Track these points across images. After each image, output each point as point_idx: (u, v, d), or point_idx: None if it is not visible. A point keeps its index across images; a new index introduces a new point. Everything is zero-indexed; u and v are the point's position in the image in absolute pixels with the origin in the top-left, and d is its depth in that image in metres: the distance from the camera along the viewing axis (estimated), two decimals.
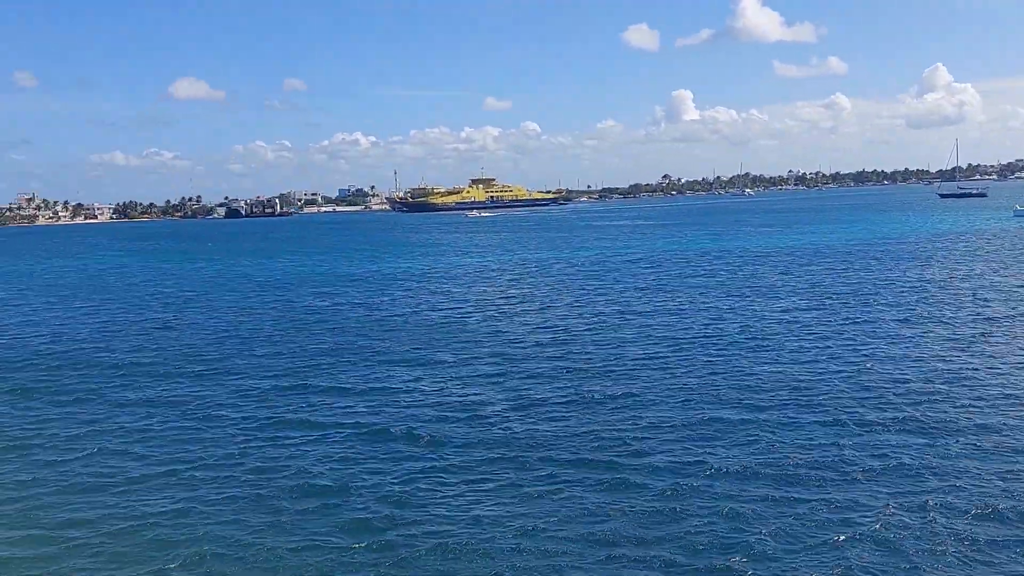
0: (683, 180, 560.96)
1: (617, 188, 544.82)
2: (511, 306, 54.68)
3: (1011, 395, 27.75)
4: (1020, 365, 31.84)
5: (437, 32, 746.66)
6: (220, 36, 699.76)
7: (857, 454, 22.57)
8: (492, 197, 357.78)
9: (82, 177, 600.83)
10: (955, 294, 51.04)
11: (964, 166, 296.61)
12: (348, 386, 33.00)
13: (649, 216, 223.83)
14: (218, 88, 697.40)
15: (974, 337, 37.28)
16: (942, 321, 41.64)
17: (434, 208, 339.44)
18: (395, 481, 22.25)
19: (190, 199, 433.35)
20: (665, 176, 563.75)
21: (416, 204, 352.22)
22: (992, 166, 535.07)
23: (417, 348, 40.38)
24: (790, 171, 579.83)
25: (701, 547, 17.60)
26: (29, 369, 39.05)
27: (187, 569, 17.75)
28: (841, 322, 42.51)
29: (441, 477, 22.43)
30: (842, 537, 17.55)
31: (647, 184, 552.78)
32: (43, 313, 60.89)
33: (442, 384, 32.83)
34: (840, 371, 31.87)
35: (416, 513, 20.11)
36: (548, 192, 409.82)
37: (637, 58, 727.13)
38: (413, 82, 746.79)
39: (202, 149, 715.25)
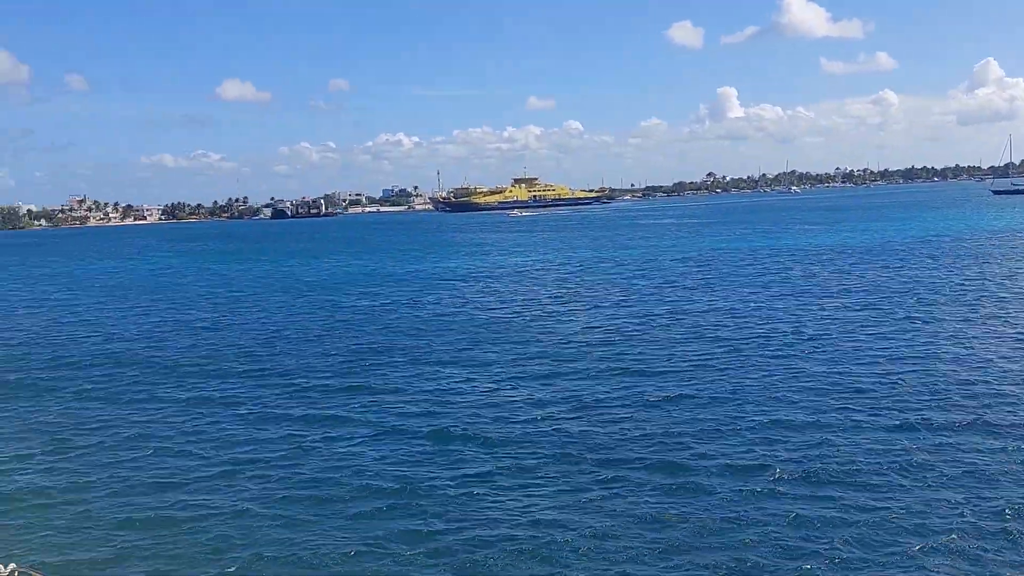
0: (728, 178, 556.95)
1: (661, 186, 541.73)
2: (559, 306, 54.24)
3: None
4: None
5: (480, 31, 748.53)
6: (266, 37, 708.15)
7: (927, 457, 21.83)
8: (535, 196, 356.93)
9: (131, 178, 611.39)
10: (1018, 292, 49.69)
11: (1017, 162, 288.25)
12: (399, 386, 32.80)
13: (695, 214, 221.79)
14: (264, 89, 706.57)
15: None
16: (1007, 320, 40.52)
17: (477, 208, 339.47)
18: (450, 483, 21.95)
19: (237, 200, 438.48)
20: (710, 174, 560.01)
21: (459, 204, 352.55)
22: None
23: (466, 348, 40.11)
24: (837, 168, 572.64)
25: (765, 553, 17.07)
26: (83, 370, 39.41)
27: (245, 570, 17.64)
28: (900, 321, 41.52)
29: (497, 479, 22.09)
30: (916, 546, 16.90)
31: (691, 182, 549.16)
32: (96, 314, 61.61)
33: (493, 384, 32.50)
34: (903, 372, 31.01)
35: (473, 515, 19.80)
36: (591, 191, 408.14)
37: (681, 56, 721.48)
38: (456, 81, 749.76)
39: (248, 150, 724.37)
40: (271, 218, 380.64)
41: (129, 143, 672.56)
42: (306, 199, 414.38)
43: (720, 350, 36.67)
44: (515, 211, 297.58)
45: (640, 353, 36.81)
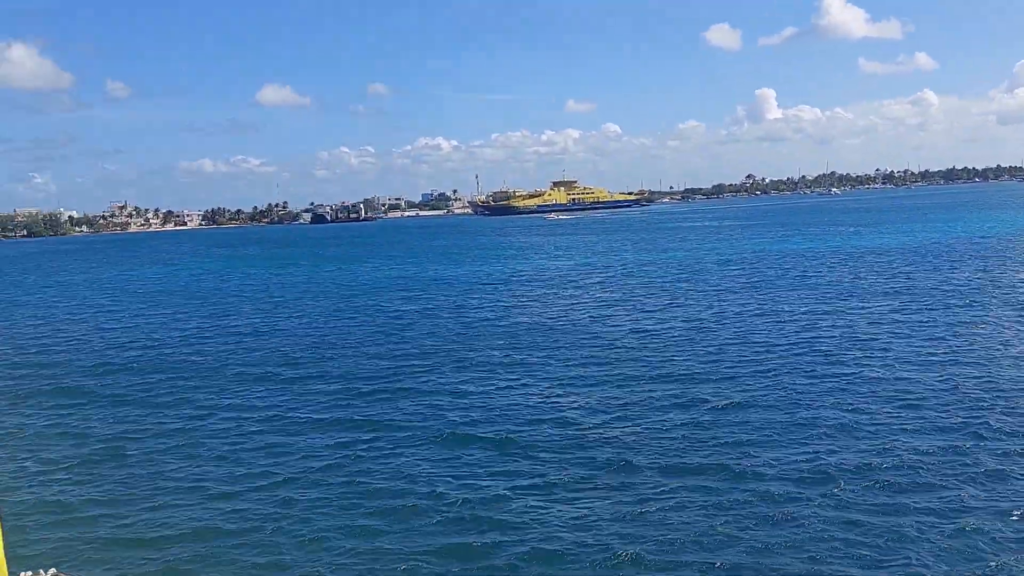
0: (767, 180, 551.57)
1: (700, 189, 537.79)
2: (604, 310, 53.59)
3: None
4: None
5: (518, 35, 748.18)
6: (306, 42, 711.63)
7: (994, 464, 21.06)
8: (573, 199, 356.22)
9: (172, 184, 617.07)
10: None
11: None
12: (447, 393, 32.43)
13: (735, 216, 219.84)
14: (304, 94, 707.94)
15: None
16: None
17: (516, 211, 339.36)
18: (501, 485, 21.60)
19: (276, 205, 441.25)
20: (749, 176, 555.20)
21: (498, 207, 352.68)
22: None
23: (512, 353, 39.63)
24: (877, 169, 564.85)
25: (818, 557, 16.62)
26: (126, 376, 39.50)
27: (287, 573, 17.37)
28: (953, 324, 40.46)
29: (551, 488, 21.62)
30: (991, 561, 16.13)
31: (730, 184, 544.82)
32: (138, 319, 62.02)
33: (543, 390, 31.99)
34: (961, 375, 30.16)
35: (520, 518, 19.41)
36: (630, 193, 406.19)
37: (719, 58, 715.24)
38: (494, 85, 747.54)
39: (288, 155, 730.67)
40: (311, 223, 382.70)
41: (170, 149, 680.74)
42: (345, 204, 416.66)
43: (771, 354, 35.91)
44: (552, 214, 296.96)
45: (690, 358, 36.13)
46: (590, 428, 26.33)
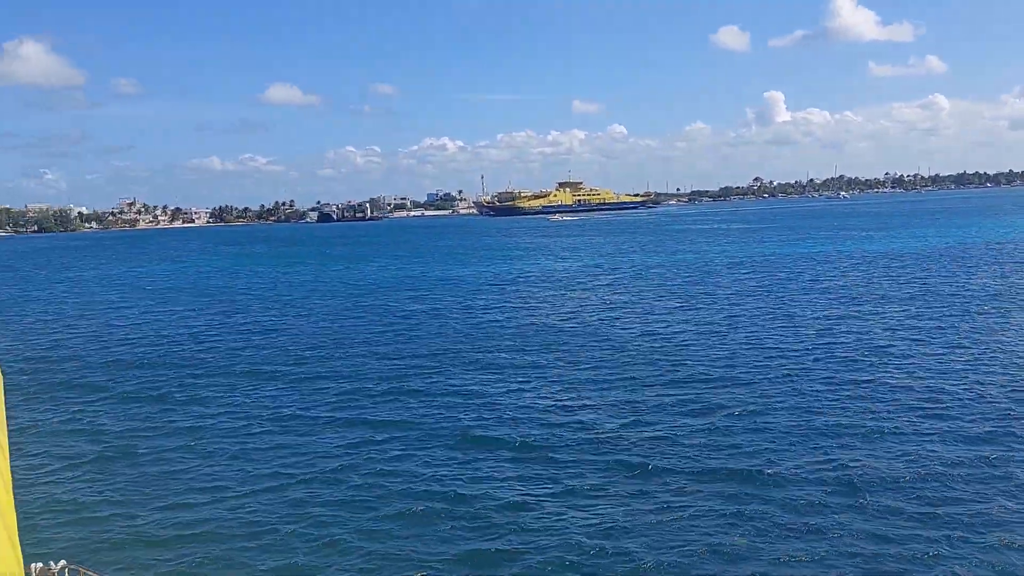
0: (775, 183, 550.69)
1: (707, 191, 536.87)
2: (613, 312, 53.32)
3: None
4: None
5: (524, 36, 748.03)
6: (313, 42, 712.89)
7: (1017, 471, 20.77)
8: (579, 200, 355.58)
9: (180, 182, 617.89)
10: None
11: None
12: (455, 393, 32.22)
13: (744, 219, 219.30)
14: (311, 93, 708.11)
15: None
16: None
17: (521, 212, 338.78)
18: (516, 489, 21.33)
19: (283, 203, 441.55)
20: (756, 179, 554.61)
21: (503, 208, 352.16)
22: None
23: (519, 354, 39.42)
24: (887, 173, 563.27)
25: (844, 571, 16.25)
26: (137, 371, 39.47)
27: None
28: (971, 330, 40.19)
29: (563, 490, 21.34)
30: (1018, 563, 15.85)
31: (738, 187, 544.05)
32: (148, 316, 61.88)
33: (551, 391, 31.78)
34: (982, 382, 29.85)
35: (537, 522, 19.16)
36: (636, 195, 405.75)
37: (727, 60, 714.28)
38: (500, 86, 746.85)
39: (295, 154, 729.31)
40: (317, 221, 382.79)
41: (178, 147, 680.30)
42: (351, 203, 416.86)
43: (786, 359, 35.62)
44: (556, 215, 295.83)
45: (703, 362, 35.84)
46: (605, 432, 26.06)
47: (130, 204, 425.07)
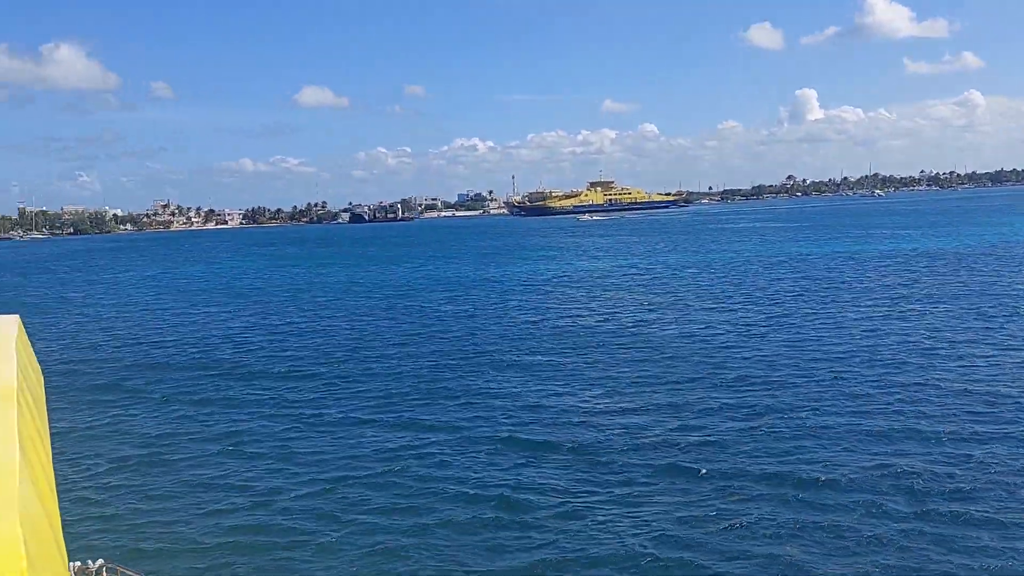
0: (808, 181, 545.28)
1: (739, 189, 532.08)
2: (648, 313, 52.69)
3: None
4: None
5: (555, 35, 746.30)
6: (344, 44, 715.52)
7: None
8: (611, 200, 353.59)
9: (214, 184, 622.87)
10: None
11: None
12: (491, 395, 31.81)
13: (777, 218, 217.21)
14: (342, 95, 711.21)
15: None
16: None
17: (552, 212, 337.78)
18: (566, 493, 20.83)
19: (315, 204, 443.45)
20: (789, 177, 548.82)
21: (534, 208, 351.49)
22: None
23: (557, 355, 38.95)
24: (922, 171, 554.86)
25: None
26: (173, 373, 39.46)
27: None
28: (1022, 330, 39.04)
29: (605, 494, 20.80)
30: None
31: (770, 185, 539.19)
32: (183, 318, 62.08)
33: (591, 393, 31.29)
34: None
35: (588, 528, 18.66)
36: (668, 194, 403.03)
37: (760, 57, 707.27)
38: (531, 86, 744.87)
39: (326, 155, 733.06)
40: (349, 222, 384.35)
41: (211, 149, 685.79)
42: (383, 204, 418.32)
43: (828, 360, 34.92)
44: (585, 215, 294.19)
45: (744, 363, 35.19)
46: (650, 435, 25.48)
47: (164, 206, 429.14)
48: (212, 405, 32.64)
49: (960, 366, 32.47)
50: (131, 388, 36.45)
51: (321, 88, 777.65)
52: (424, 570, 17.27)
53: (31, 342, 8.97)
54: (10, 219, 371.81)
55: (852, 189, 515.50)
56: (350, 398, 32.54)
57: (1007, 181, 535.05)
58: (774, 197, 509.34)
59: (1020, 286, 55.05)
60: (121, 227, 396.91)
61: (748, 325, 45.06)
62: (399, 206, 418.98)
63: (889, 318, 44.82)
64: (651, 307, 55.08)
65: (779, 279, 68.18)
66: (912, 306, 48.63)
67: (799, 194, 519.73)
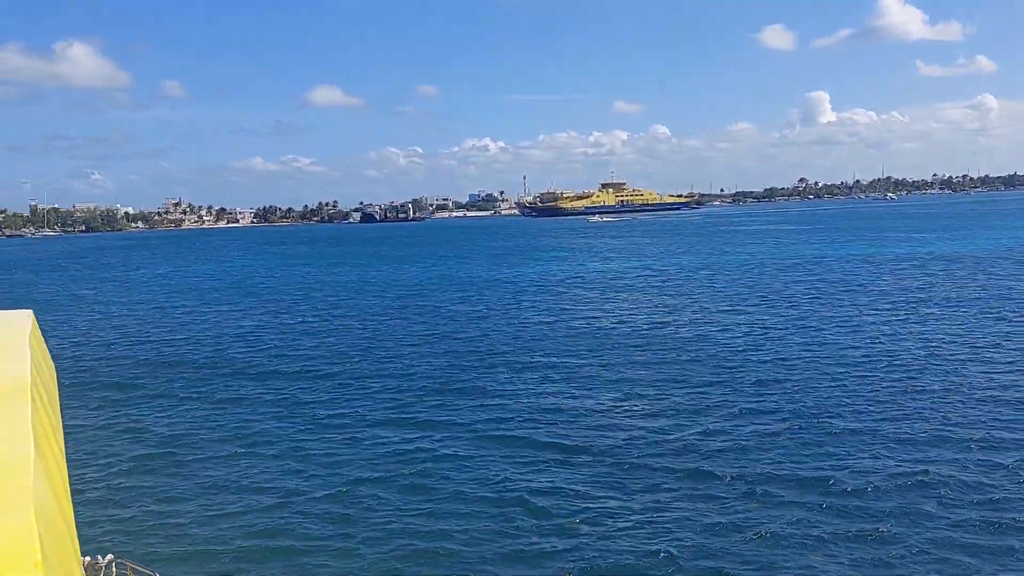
0: (820, 184, 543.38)
1: (751, 192, 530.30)
2: (664, 314, 52.21)
3: None
4: None
5: (566, 36, 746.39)
6: (356, 44, 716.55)
7: None
8: (622, 201, 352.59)
9: (225, 182, 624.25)
10: None
11: None
12: (509, 394, 31.46)
13: (790, 220, 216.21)
14: (353, 95, 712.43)
15: None
16: None
17: (563, 213, 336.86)
18: (586, 496, 20.40)
19: (327, 204, 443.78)
20: (801, 179, 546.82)
21: (545, 209, 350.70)
22: None
23: (572, 357, 38.52)
24: (935, 175, 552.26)
25: None
26: (185, 371, 39.18)
27: None
28: None
29: (628, 494, 20.40)
30: None
31: (782, 188, 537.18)
32: (194, 316, 61.88)
33: (608, 394, 30.85)
34: None
35: (610, 531, 18.25)
36: (680, 196, 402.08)
37: (772, 59, 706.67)
38: (542, 87, 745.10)
39: (337, 155, 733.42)
40: (360, 222, 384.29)
41: (222, 148, 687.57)
42: (394, 203, 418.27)
43: (848, 364, 34.45)
44: (596, 216, 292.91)
45: (761, 366, 34.72)
46: (668, 438, 25.05)
47: (175, 204, 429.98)
48: (224, 404, 32.33)
49: (984, 371, 31.93)
50: (143, 386, 36.19)
51: (332, 88, 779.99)
52: (445, 569, 16.90)
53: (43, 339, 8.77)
54: (22, 216, 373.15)
55: (864, 192, 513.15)
56: (364, 398, 32.19)
57: (1020, 185, 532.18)
58: (786, 200, 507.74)
59: None
60: (133, 225, 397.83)
61: (765, 328, 44.53)
62: (410, 206, 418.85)
63: (909, 321, 44.26)
64: (666, 309, 54.59)
65: (795, 282, 67.60)
66: (931, 310, 48.05)
67: (811, 197, 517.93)
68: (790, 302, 54.65)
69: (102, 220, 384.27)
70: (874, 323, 44.36)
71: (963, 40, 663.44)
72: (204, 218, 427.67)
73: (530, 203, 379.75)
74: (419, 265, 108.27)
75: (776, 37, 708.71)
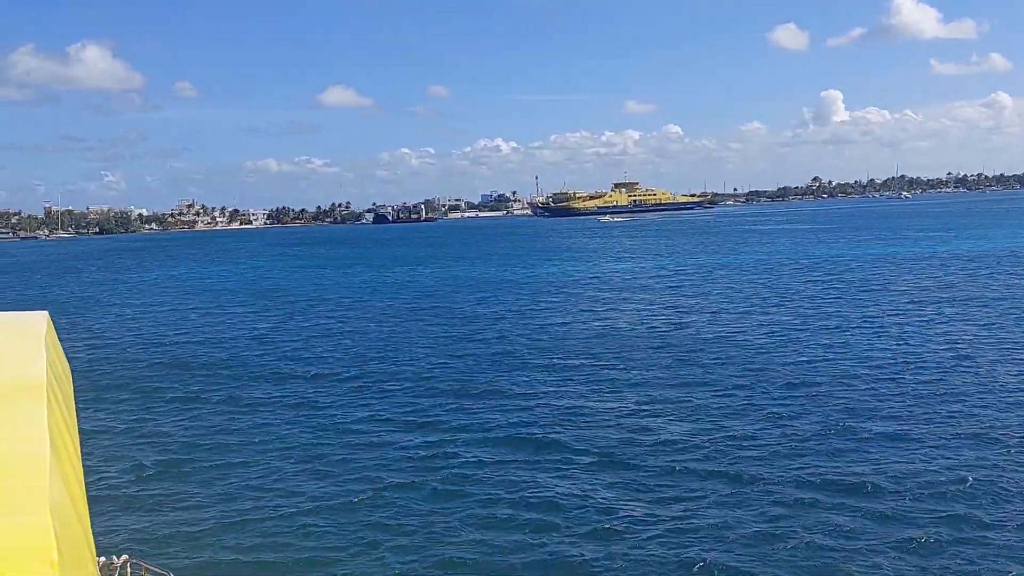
0: (834, 183, 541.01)
1: (764, 191, 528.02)
2: (680, 315, 51.64)
3: None
4: None
5: (577, 36, 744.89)
6: (368, 45, 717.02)
7: None
8: (635, 201, 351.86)
9: (238, 184, 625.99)
10: None
11: None
12: (528, 397, 30.97)
13: (805, 220, 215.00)
14: (366, 95, 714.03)
15: None
16: None
17: (576, 213, 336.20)
18: (610, 500, 19.93)
19: (339, 205, 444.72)
20: (815, 179, 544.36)
21: (558, 209, 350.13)
22: None
23: (590, 358, 38.04)
24: (949, 173, 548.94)
25: None
26: (200, 373, 38.84)
27: None
28: None
29: (653, 497, 19.92)
30: None
31: (796, 187, 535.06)
32: (209, 318, 61.63)
33: (629, 397, 30.33)
34: None
35: (636, 535, 17.75)
36: (693, 196, 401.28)
37: (784, 59, 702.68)
38: (554, 87, 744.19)
39: (350, 156, 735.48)
40: (373, 223, 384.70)
41: (235, 149, 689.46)
42: (407, 204, 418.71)
43: (870, 364, 33.93)
44: (608, 216, 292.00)
45: (783, 368, 34.14)
46: (689, 440, 24.55)
47: (189, 205, 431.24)
48: (240, 406, 31.97)
49: (1015, 371, 31.28)
50: (159, 388, 35.86)
51: (345, 88, 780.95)
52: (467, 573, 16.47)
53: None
54: (36, 218, 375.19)
55: (878, 191, 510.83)
56: (382, 401, 31.76)
57: None
58: (799, 199, 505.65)
59: None
60: (146, 227, 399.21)
61: (788, 329, 43.88)
62: (423, 207, 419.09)
63: (934, 322, 43.59)
64: (686, 309, 54.02)
65: (813, 281, 66.92)
66: (955, 309, 47.36)
67: (825, 196, 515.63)
68: (811, 302, 54.00)
69: (116, 222, 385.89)
70: (898, 323, 43.69)
71: (977, 38, 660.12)
72: (217, 219, 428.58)
73: (543, 203, 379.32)
74: (434, 266, 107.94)
75: (788, 36, 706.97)
